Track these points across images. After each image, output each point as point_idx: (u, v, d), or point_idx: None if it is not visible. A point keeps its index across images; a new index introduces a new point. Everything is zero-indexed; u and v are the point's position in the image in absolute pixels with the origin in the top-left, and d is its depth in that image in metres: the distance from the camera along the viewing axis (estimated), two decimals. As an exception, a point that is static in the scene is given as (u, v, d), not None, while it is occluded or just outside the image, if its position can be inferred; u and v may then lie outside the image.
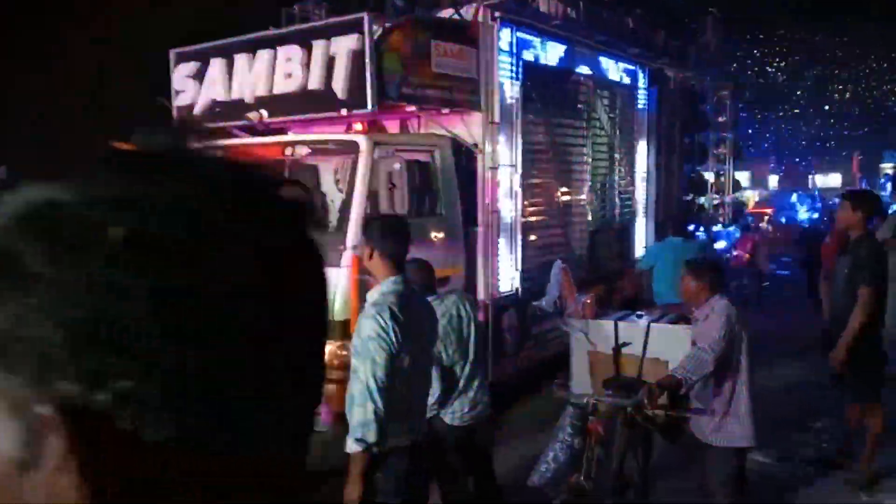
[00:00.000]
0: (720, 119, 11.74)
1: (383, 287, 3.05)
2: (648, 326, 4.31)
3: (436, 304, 3.84)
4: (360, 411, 2.83)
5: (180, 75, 6.38)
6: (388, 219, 3.37)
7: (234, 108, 6.00)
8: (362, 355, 2.88)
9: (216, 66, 6.09)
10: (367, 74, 5.17)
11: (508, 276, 6.70)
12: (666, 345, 4.20)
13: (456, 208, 6.21)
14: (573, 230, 7.74)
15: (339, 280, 5.04)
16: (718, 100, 11.56)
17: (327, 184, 6.19)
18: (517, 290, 6.73)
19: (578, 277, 7.75)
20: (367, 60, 5.16)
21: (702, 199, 11.69)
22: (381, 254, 3.07)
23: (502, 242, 6.61)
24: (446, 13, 6.32)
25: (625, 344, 4.28)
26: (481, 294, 6.40)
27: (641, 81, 9.29)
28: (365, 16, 5.16)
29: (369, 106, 5.21)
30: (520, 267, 6.77)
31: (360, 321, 2.96)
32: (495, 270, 6.50)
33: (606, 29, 8.06)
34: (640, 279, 7.48)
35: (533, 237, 7.09)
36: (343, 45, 5.26)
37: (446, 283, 5.91)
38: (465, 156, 6.40)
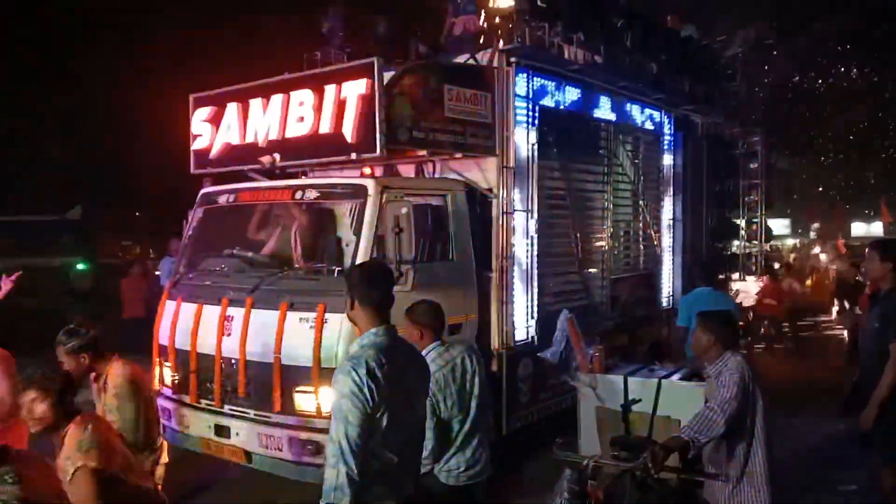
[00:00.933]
0: (751, 165, 11.47)
1: (363, 339, 2.90)
2: (659, 383, 4.07)
3: (440, 352, 3.70)
4: (332, 474, 2.66)
5: (198, 119, 6.44)
6: (369, 266, 3.22)
7: (248, 152, 6.01)
8: (335, 414, 2.72)
9: (232, 110, 6.13)
10: (377, 119, 5.12)
11: (524, 323, 6.50)
12: (678, 402, 3.97)
13: (468, 253, 6.08)
14: (593, 277, 7.53)
15: (344, 327, 4.91)
16: (748, 146, 11.31)
17: (344, 227, 6.12)
18: (533, 338, 6.52)
19: (599, 326, 7.55)
20: (377, 105, 5.12)
21: (733, 247, 11.39)
22: (362, 303, 2.93)
23: (517, 289, 6.44)
24: (462, 59, 6.30)
25: (635, 400, 4.04)
26: (495, 342, 6.23)
27: (667, 127, 9.14)
28: (375, 60, 5.14)
29: (378, 150, 5.15)
30: (536, 314, 6.58)
31: (336, 376, 2.79)
32: (510, 318, 6.32)
33: (628, 75, 7.96)
34: (673, 331, 7.25)
35: (550, 284, 6.91)
36: (353, 90, 5.23)
37: (458, 331, 5.76)
38: (479, 201, 6.30)
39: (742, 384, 3.46)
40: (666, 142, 9.12)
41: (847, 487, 5.63)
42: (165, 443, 4.07)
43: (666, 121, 9.12)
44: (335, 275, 5.29)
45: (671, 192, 9.19)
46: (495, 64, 6.20)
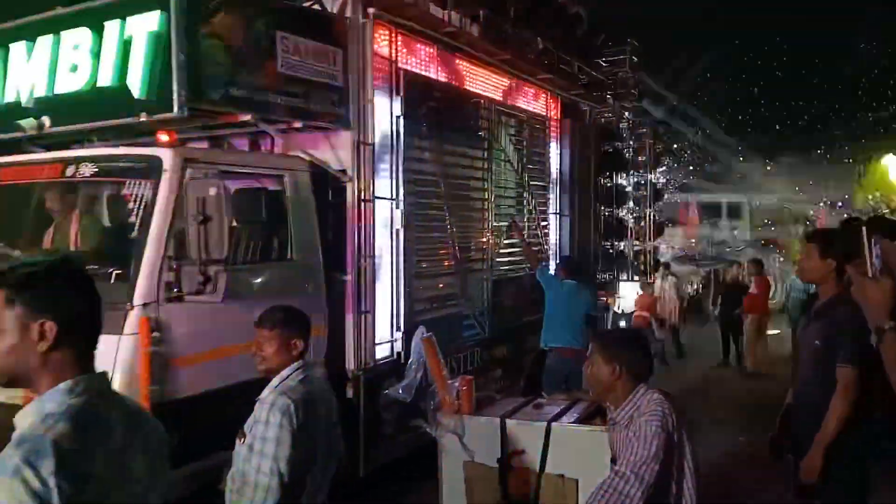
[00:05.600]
0: (640, 159, 10.88)
1: (48, 402, 1.52)
2: (549, 427, 2.95)
3: (301, 373, 2.72)
4: None
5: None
6: (75, 266, 1.84)
7: (10, 115, 4.45)
8: None
9: (-11, 58, 4.55)
10: (173, 66, 3.75)
11: (387, 337, 5.33)
12: (574, 455, 2.87)
13: (314, 251, 4.81)
14: (471, 279, 6.42)
15: (121, 354, 3.51)
16: (637, 138, 10.69)
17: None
18: (399, 354, 5.35)
19: (479, 336, 6.49)
20: (174, 47, 3.75)
21: (621, 245, 10.72)
22: (67, 335, 1.57)
23: (380, 295, 5.25)
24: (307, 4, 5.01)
25: (516, 452, 2.91)
26: (351, 362, 5.00)
27: (554, 112, 8.25)
28: (170, -16, 3.76)
29: (175, 109, 3.78)
30: (402, 326, 5.41)
31: None
32: (370, 331, 5.11)
33: (512, 47, 6.93)
34: None
35: (420, 287, 5.76)
36: (141, 26, 3.84)
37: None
38: (331, 185, 5.05)
39: (664, 434, 2.41)
40: (553, 128, 8.23)
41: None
42: None
43: (553, 105, 8.23)
44: (115, 280, 3.81)
45: (558, 184, 8.30)
46: (348, 13, 4.97)
